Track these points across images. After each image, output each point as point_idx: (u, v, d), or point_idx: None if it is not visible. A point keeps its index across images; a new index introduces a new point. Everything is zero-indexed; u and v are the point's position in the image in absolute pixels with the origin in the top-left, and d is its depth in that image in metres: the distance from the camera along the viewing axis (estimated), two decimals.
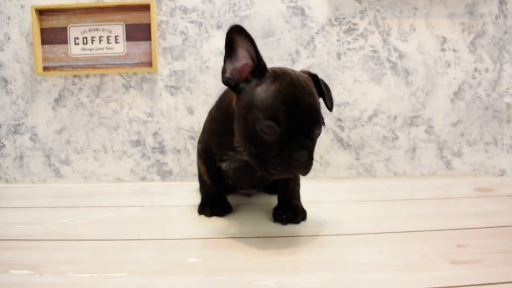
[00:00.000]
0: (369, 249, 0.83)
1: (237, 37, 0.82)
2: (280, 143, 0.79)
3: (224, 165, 1.06)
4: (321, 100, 0.89)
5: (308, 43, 1.46)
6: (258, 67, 0.83)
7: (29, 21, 1.43)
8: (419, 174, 1.53)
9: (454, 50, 1.51)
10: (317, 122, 0.82)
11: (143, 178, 1.50)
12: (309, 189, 1.14)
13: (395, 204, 1.15)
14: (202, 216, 1.05)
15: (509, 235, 0.90)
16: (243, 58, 0.83)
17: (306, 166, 0.82)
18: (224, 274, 0.72)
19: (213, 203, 1.06)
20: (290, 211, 0.99)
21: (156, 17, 1.42)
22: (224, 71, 0.84)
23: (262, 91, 0.80)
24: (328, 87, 0.95)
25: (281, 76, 0.82)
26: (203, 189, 1.10)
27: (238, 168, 1.04)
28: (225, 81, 0.84)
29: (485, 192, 1.29)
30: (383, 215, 1.05)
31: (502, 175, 1.55)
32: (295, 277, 0.70)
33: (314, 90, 0.85)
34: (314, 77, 0.90)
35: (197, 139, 1.44)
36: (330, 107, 0.94)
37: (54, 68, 1.44)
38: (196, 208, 1.09)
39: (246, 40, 0.82)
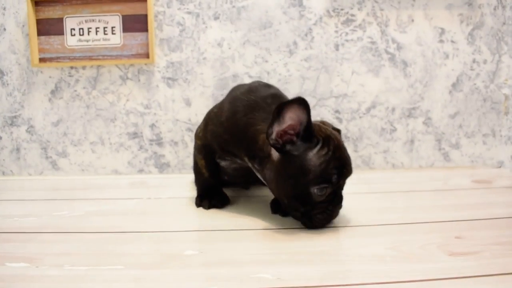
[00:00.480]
0: (367, 240, 0.83)
1: (296, 106, 0.83)
2: (327, 202, 0.87)
3: (224, 164, 1.06)
4: None
5: (306, 34, 1.45)
6: (307, 132, 0.85)
7: (25, 11, 1.42)
8: (417, 166, 1.53)
9: (452, 42, 1.50)
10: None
11: (141, 171, 1.49)
12: None
13: (393, 196, 1.15)
14: (200, 209, 1.05)
15: (507, 227, 0.90)
16: (288, 119, 0.84)
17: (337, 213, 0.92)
18: (221, 267, 0.71)
19: (211, 195, 1.07)
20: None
21: (153, 8, 1.40)
22: (270, 134, 0.85)
23: (315, 157, 0.85)
24: None
25: (328, 141, 0.87)
26: (200, 181, 1.10)
27: (239, 169, 1.05)
28: (273, 144, 0.86)
29: (483, 184, 1.29)
30: (381, 207, 1.05)
31: (500, 167, 1.55)
32: (293, 269, 0.70)
33: None
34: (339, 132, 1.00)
35: (194, 131, 1.43)
36: None
37: (50, 59, 1.43)
38: (194, 200, 1.09)
39: (303, 110, 0.83)
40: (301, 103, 0.83)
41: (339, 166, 0.86)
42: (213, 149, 1.04)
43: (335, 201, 0.88)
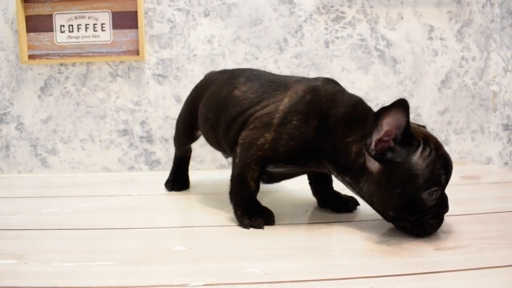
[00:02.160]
0: (356, 235, 0.84)
1: (395, 110, 0.77)
2: (437, 205, 0.82)
3: (275, 170, 0.99)
4: None
5: (296, 31, 1.46)
6: (406, 136, 0.79)
7: (14, 8, 1.41)
8: None
9: (441, 39, 1.51)
10: None
11: (131, 168, 1.49)
12: (299, 177, 1.14)
13: None
14: (189, 205, 1.05)
15: (494, 222, 0.91)
16: (385, 126, 0.79)
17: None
18: (210, 262, 0.72)
19: (253, 213, 0.91)
20: (347, 200, 1.02)
21: (143, 4, 1.40)
22: (369, 143, 0.80)
23: (420, 160, 0.79)
24: None
25: (427, 141, 0.81)
26: (243, 195, 0.93)
27: (288, 173, 1.01)
28: (375, 155, 0.80)
29: (471, 180, 1.31)
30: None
31: (489, 163, 1.57)
32: (281, 264, 0.71)
33: None
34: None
35: None
36: None
37: (39, 56, 1.42)
38: (185, 197, 1.09)
39: (403, 113, 0.77)
40: (403, 106, 0.76)
41: (445, 165, 0.81)
42: (276, 160, 0.92)
43: (443, 203, 0.83)
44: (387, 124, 0.78)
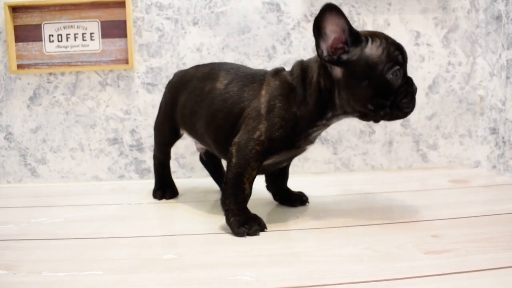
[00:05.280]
0: (345, 241, 0.84)
1: (328, 15, 0.86)
2: (406, 84, 0.90)
3: (269, 161, 0.99)
4: None
5: (284, 39, 1.47)
6: (353, 35, 0.88)
7: (2, 18, 1.41)
8: (396, 167, 1.56)
9: (427, 45, 1.53)
10: None
11: (121, 176, 1.48)
12: (288, 184, 1.14)
13: (372, 197, 1.17)
14: (179, 213, 1.05)
15: (482, 225, 0.92)
16: (331, 33, 0.88)
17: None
18: (201, 270, 0.72)
19: (246, 221, 0.91)
20: (300, 195, 1.13)
21: (131, 13, 1.41)
22: (321, 52, 0.88)
23: (374, 49, 0.88)
24: None
25: (376, 34, 0.91)
26: (239, 200, 0.92)
27: (278, 162, 1.02)
28: (329, 60, 0.89)
29: (460, 184, 1.32)
30: (360, 208, 1.06)
31: (477, 166, 1.58)
32: (271, 270, 0.71)
33: None
34: None
35: None
36: None
37: (28, 66, 1.42)
38: (176, 205, 1.09)
39: (338, 16, 0.86)
40: (333, 8, 0.86)
41: (397, 47, 0.90)
42: (272, 150, 0.94)
43: (409, 81, 0.92)
44: (332, 32, 0.88)
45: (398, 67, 0.88)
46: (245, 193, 0.93)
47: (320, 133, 1.00)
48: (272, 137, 0.92)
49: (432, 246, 0.80)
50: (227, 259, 0.76)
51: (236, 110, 0.98)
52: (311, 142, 0.99)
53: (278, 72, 1.01)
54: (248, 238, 0.87)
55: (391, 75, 0.88)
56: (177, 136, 1.21)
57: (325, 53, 0.89)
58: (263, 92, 0.97)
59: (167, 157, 1.25)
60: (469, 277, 0.67)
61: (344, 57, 0.89)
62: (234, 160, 0.92)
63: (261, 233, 0.89)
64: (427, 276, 0.68)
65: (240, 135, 0.94)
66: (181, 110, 1.13)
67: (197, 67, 1.17)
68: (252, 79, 1.01)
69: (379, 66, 0.88)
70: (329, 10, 0.86)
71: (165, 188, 1.22)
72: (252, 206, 0.96)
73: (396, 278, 0.67)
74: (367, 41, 0.89)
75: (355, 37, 0.89)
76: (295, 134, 0.94)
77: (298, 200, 1.11)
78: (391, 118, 0.92)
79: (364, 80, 0.88)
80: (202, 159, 1.30)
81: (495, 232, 0.87)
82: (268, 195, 1.15)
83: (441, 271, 0.69)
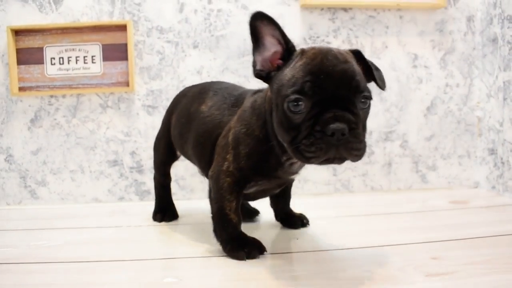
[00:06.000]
0: (346, 263, 0.84)
1: (260, 24, 0.77)
2: (310, 120, 0.70)
3: (252, 189, 0.95)
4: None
5: None
6: (287, 50, 0.78)
7: (5, 41, 1.43)
8: (395, 188, 1.56)
9: (425, 67, 1.55)
10: (356, 90, 0.72)
11: (121, 198, 1.48)
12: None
13: (372, 218, 1.17)
14: (179, 236, 1.05)
15: (483, 246, 0.92)
16: (271, 46, 0.78)
17: (349, 144, 0.70)
18: None
19: (244, 245, 0.88)
20: (300, 218, 1.10)
21: (132, 37, 1.43)
22: (254, 64, 0.80)
23: (289, 69, 0.75)
24: (376, 66, 0.85)
25: (309, 50, 0.76)
26: (228, 230, 0.90)
27: (265, 190, 0.98)
28: (257, 73, 0.80)
29: (460, 205, 1.32)
30: (360, 229, 1.06)
31: (476, 187, 1.59)
32: None
33: (352, 61, 0.76)
34: (356, 52, 0.81)
35: None
36: (381, 85, 0.83)
37: (30, 88, 1.43)
38: (176, 227, 1.09)
39: (270, 25, 0.77)
40: (264, 17, 0.76)
41: (315, 71, 0.71)
42: (245, 180, 0.89)
43: (324, 118, 0.69)
44: (271, 44, 0.78)
45: (298, 96, 0.71)
46: (233, 223, 0.89)
47: (302, 165, 0.89)
48: (240, 167, 0.86)
49: (432, 269, 0.79)
50: (227, 283, 0.76)
51: (214, 135, 0.94)
52: (293, 172, 0.90)
53: (256, 91, 0.94)
54: (248, 261, 0.86)
55: (288, 104, 0.72)
56: (174, 157, 1.19)
57: (258, 66, 0.80)
58: (236, 117, 0.91)
59: (167, 178, 1.22)
60: None
61: (272, 73, 0.79)
62: (212, 194, 0.91)
63: (261, 256, 0.89)
64: None
65: (213, 167, 0.91)
66: (173, 130, 1.11)
67: (192, 86, 1.16)
68: (235, 101, 0.96)
69: (282, 91, 0.74)
70: (260, 18, 0.76)
71: (165, 211, 1.20)
72: (253, 227, 0.96)
73: None
74: (296, 57, 0.77)
75: (289, 53, 0.78)
76: (264, 162, 0.86)
77: (298, 222, 1.09)
78: (297, 158, 0.74)
79: (275, 105, 0.77)
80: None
81: (496, 254, 0.87)
82: (268, 216, 1.15)
83: None
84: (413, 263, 0.82)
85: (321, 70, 0.71)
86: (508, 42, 1.40)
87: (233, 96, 0.98)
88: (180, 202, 1.30)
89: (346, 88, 0.71)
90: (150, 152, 1.47)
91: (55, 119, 1.46)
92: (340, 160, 0.72)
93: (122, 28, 1.41)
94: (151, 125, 1.47)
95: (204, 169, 1.00)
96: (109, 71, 1.43)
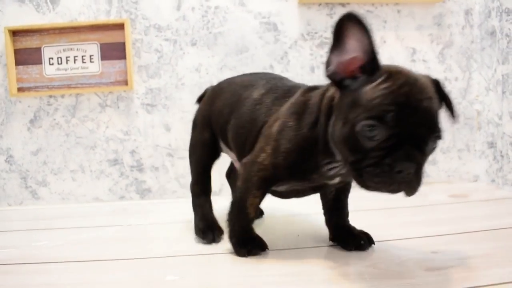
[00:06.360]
0: (347, 259, 0.84)
1: (350, 25, 0.70)
2: (382, 150, 0.67)
3: (282, 188, 0.90)
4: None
5: (282, 58, 1.48)
6: (371, 62, 0.71)
7: (3, 42, 1.43)
8: None
9: (423, 61, 1.55)
10: (433, 130, 0.69)
11: (122, 197, 1.49)
12: (287, 203, 1.14)
13: (372, 213, 1.17)
14: (180, 233, 1.05)
15: (482, 240, 0.92)
16: (352, 50, 0.71)
17: (411, 183, 0.69)
18: None
19: (249, 242, 0.88)
20: (359, 237, 0.92)
21: (130, 35, 1.43)
22: (328, 63, 0.73)
23: (371, 88, 0.69)
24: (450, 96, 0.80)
25: (396, 74, 0.70)
26: (243, 223, 0.89)
27: (298, 190, 0.92)
28: (330, 75, 0.74)
29: (459, 198, 1.32)
30: (360, 224, 1.06)
31: (476, 180, 1.59)
32: None
33: (434, 96, 0.71)
34: (436, 82, 0.76)
35: (175, 156, 1.44)
36: (455, 117, 0.80)
37: (28, 89, 1.43)
38: (174, 225, 1.09)
39: (360, 30, 0.70)
40: (357, 22, 0.69)
41: (401, 103, 0.67)
42: (277, 178, 0.86)
43: (397, 154, 0.67)
44: (354, 49, 0.71)
45: (375, 123, 0.67)
46: (249, 217, 0.88)
47: (341, 171, 0.83)
48: (277, 162, 0.83)
49: (432, 263, 0.80)
50: (229, 280, 0.76)
51: (260, 124, 0.89)
52: (330, 178, 0.84)
53: (312, 88, 0.88)
54: (250, 258, 0.87)
55: (363, 127, 0.68)
56: (217, 153, 1.08)
57: (332, 67, 0.73)
58: (285, 108, 0.87)
59: (208, 185, 1.08)
60: None
61: (347, 82, 0.73)
62: (239, 183, 0.88)
63: (263, 252, 0.89)
64: None
65: (249, 155, 0.87)
66: (217, 119, 1.02)
67: (234, 78, 1.09)
68: (288, 92, 0.91)
69: (358, 110, 0.69)
70: (352, 20, 0.70)
71: (212, 229, 1.00)
72: (255, 223, 0.96)
73: None
74: (380, 76, 0.69)
75: (373, 66, 0.71)
76: (302, 161, 0.82)
77: (354, 241, 0.90)
78: (356, 181, 0.72)
79: (343, 118, 0.72)
80: (228, 176, 1.23)
81: (496, 247, 0.87)
82: (270, 212, 1.16)
83: None
84: (413, 257, 0.83)
85: (408, 103, 0.67)
86: (507, 35, 1.40)
87: (286, 87, 0.93)
88: (181, 200, 1.30)
89: (426, 127, 0.68)
90: (150, 151, 1.48)
91: (54, 119, 1.46)
92: (396, 192, 0.71)
93: (120, 27, 1.41)
94: (151, 123, 1.47)
95: (242, 157, 0.94)
96: (108, 70, 1.43)
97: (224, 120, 0.99)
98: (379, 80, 0.69)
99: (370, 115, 0.67)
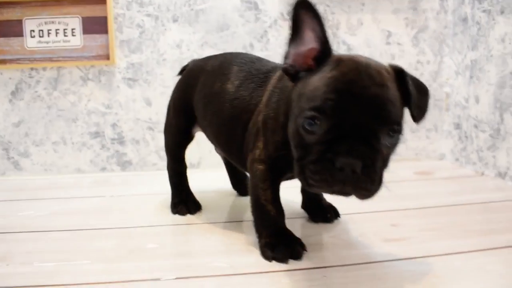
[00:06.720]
0: (312, 231, 0.92)
1: (303, 14, 0.67)
2: (323, 144, 0.61)
3: (288, 175, 0.85)
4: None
5: (262, 37, 1.53)
6: (323, 51, 0.68)
7: None
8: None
9: (398, 44, 1.61)
10: (384, 122, 0.61)
11: (103, 169, 1.53)
12: None
13: None
14: (160, 205, 1.11)
15: (437, 215, 1.01)
16: (309, 41, 0.68)
17: (358, 183, 0.62)
18: (181, 258, 0.79)
19: (285, 241, 0.79)
20: (327, 211, 0.96)
21: (112, 10, 1.44)
22: (286, 56, 0.70)
23: (317, 78, 0.64)
24: (423, 88, 0.73)
25: (346, 61, 0.65)
26: (266, 224, 0.81)
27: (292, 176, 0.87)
28: (285, 68, 0.70)
29: (424, 176, 1.41)
30: (329, 199, 1.12)
31: (442, 159, 1.68)
32: (245, 258, 0.78)
33: (390, 84, 0.65)
34: (399, 71, 0.69)
35: (155, 129, 1.49)
36: (416, 116, 0.70)
37: (10, 61, 1.45)
38: (156, 196, 1.15)
39: (314, 18, 0.67)
40: (310, 8, 0.66)
41: (342, 90, 0.61)
42: (282, 169, 0.81)
43: (338, 148, 0.60)
44: (311, 39, 0.68)
45: (315, 114, 0.61)
46: (271, 215, 0.80)
47: None
48: (271, 155, 0.79)
49: (390, 235, 0.88)
50: (206, 248, 0.83)
51: (243, 121, 0.86)
52: None
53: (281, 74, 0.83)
54: (224, 228, 0.93)
55: (303, 120, 0.63)
56: (189, 137, 1.08)
57: (289, 60, 0.70)
58: (265, 99, 0.83)
59: (182, 164, 1.10)
60: (421, 262, 0.76)
61: (301, 74, 0.70)
62: (249, 182, 0.85)
63: (235, 224, 0.96)
64: (384, 261, 0.76)
65: (249, 155, 0.84)
66: (196, 111, 1.00)
67: (208, 58, 1.05)
68: (265, 79, 0.86)
69: (301, 101, 0.66)
70: (306, 8, 0.66)
71: (186, 201, 1.05)
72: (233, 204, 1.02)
73: (356, 263, 0.75)
74: (329, 65, 0.66)
75: (325, 56, 0.68)
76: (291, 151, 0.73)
77: (321, 213, 0.96)
78: (299, 179, 0.67)
79: (293, 113, 0.69)
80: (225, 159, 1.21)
81: (450, 222, 0.96)
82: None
83: (396, 257, 0.78)
84: (373, 229, 0.91)
85: (349, 90, 0.61)
86: (477, 23, 1.46)
87: (261, 73, 0.88)
88: (160, 172, 1.35)
89: (372, 117, 0.60)
90: (131, 124, 1.52)
91: (36, 92, 1.48)
92: (345, 194, 0.65)
93: (102, 1, 1.42)
94: (132, 97, 1.50)
95: (233, 155, 0.94)
96: (89, 44, 1.45)
97: (201, 115, 0.98)
98: (327, 69, 0.65)
99: (310, 106, 0.62)
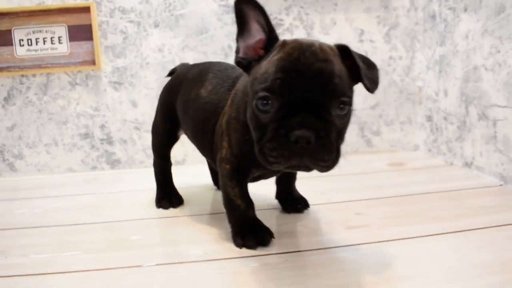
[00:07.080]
0: (282, 220, 1.00)
1: (245, 8, 0.72)
2: (277, 121, 0.66)
3: (258, 173, 0.90)
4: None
5: None
6: (269, 39, 0.73)
7: None
8: (343, 152, 1.72)
9: (371, 41, 1.69)
10: (332, 94, 0.65)
11: (94, 168, 1.61)
12: None
13: (315, 180, 1.30)
14: (145, 200, 1.19)
15: (401, 204, 1.09)
16: (256, 33, 0.73)
17: (314, 154, 0.65)
18: (161, 247, 0.87)
19: (254, 230, 0.86)
20: (298, 202, 1.04)
21: (96, 18, 1.52)
22: (237, 50, 0.75)
23: (266, 62, 0.70)
24: (371, 63, 0.78)
25: (290, 43, 0.70)
26: (236, 216, 0.88)
27: (265, 173, 0.92)
28: (237, 61, 0.75)
29: (396, 166, 1.49)
30: (301, 190, 1.19)
31: (416, 150, 1.77)
32: (218, 246, 0.87)
33: (334, 59, 0.69)
34: (343, 48, 0.73)
35: (142, 129, 1.57)
36: (370, 86, 0.72)
37: (1, 69, 1.52)
38: (144, 193, 1.23)
39: (255, 10, 0.72)
40: (250, 2, 0.71)
41: (287, 69, 0.65)
42: (247, 167, 0.85)
43: (289, 123, 0.64)
44: (257, 31, 0.73)
45: (266, 94, 0.66)
46: (241, 208, 0.87)
47: None
48: (235, 153, 0.84)
49: (353, 222, 0.96)
50: (184, 238, 0.92)
51: (212, 123, 0.92)
52: None
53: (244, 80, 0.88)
54: (200, 220, 1.01)
55: (256, 102, 0.68)
56: (174, 138, 1.14)
57: (241, 53, 0.75)
58: (229, 101, 0.88)
59: (167, 162, 1.17)
60: (377, 247, 0.84)
61: (253, 64, 0.74)
62: (220, 182, 0.91)
63: (211, 217, 1.04)
64: (345, 246, 0.85)
65: (218, 155, 0.90)
66: (175, 114, 1.07)
67: (191, 66, 1.11)
68: (232, 84, 0.92)
69: (254, 85, 0.70)
70: (246, 2, 0.71)
71: (169, 196, 1.14)
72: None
73: (318, 248, 0.84)
74: (275, 49, 0.71)
75: (272, 42, 0.73)
76: (253, 150, 0.75)
77: (292, 205, 1.04)
78: (259, 159, 0.70)
79: (249, 99, 0.73)
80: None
81: (409, 210, 1.04)
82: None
83: (356, 242, 0.86)
84: (339, 218, 0.99)
85: (294, 68, 0.65)
86: (444, 20, 1.55)
87: (230, 79, 0.94)
88: (148, 170, 1.43)
89: (319, 91, 0.65)
90: (118, 125, 1.60)
91: (27, 97, 1.56)
92: (306, 168, 0.68)
93: (86, 9, 1.50)
94: (118, 100, 1.58)
95: (208, 157, 1.01)
96: (76, 50, 1.53)
97: (182, 119, 1.04)
98: (274, 53, 0.70)
99: (261, 87, 0.66)
